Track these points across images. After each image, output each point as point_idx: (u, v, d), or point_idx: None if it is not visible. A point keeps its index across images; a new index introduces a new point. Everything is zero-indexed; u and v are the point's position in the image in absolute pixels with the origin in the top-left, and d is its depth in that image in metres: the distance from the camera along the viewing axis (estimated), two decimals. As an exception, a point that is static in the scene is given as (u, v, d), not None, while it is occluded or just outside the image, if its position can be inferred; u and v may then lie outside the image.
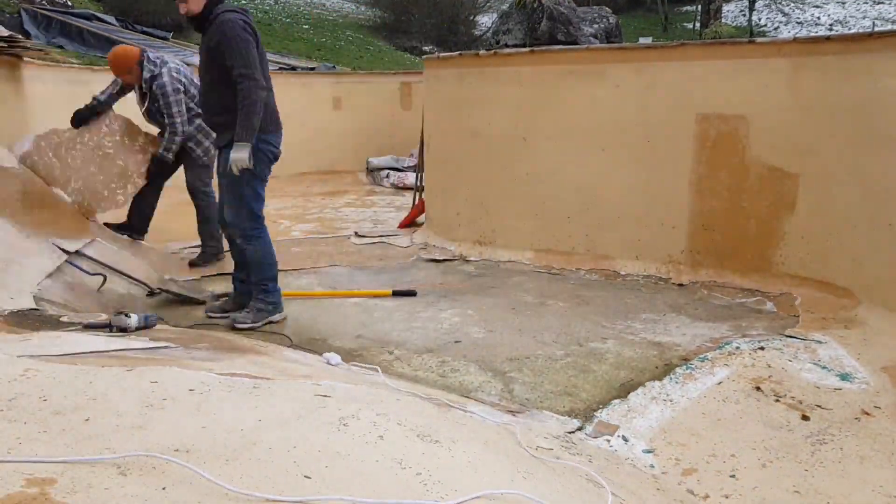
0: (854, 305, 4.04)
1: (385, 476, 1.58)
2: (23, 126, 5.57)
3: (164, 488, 1.37)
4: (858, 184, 4.06)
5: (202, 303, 4.34)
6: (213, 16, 3.71)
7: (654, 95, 4.81)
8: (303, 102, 9.52)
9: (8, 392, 1.78)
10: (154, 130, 5.17)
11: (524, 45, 5.45)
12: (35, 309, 3.35)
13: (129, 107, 5.12)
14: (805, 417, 2.81)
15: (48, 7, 11.97)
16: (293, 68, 11.79)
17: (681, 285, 4.75)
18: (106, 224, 5.12)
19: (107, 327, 3.04)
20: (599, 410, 2.93)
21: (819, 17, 22.87)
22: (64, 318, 3.23)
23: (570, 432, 2.73)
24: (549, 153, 5.20)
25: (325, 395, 2.04)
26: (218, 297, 4.40)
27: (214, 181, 4.43)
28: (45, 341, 2.61)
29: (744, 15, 23.74)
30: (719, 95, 4.62)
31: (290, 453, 1.59)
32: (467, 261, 5.48)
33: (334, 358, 3.21)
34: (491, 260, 5.45)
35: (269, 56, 13.80)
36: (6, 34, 5.21)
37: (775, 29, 22.61)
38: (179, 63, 5.12)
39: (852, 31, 19.51)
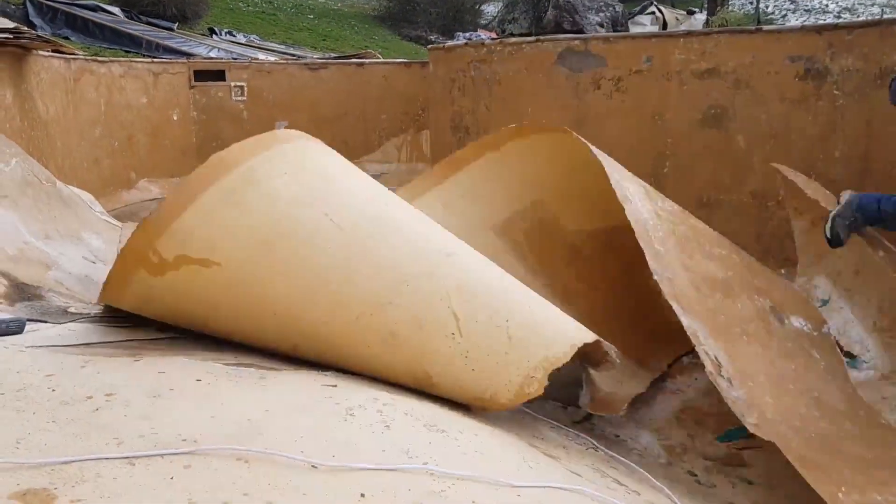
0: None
1: (392, 465, 1.59)
2: (30, 116, 5.58)
3: (171, 478, 1.38)
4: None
5: None
6: None
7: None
8: (318, 93, 9.48)
9: (17, 383, 1.79)
10: None
11: (530, 34, 5.42)
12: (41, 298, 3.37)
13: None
14: (812, 407, 2.80)
15: (53, -2, 11.96)
16: (297, 58, 11.77)
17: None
18: None
19: None
20: (606, 400, 2.93)
21: (827, 5, 22.68)
22: (72, 309, 3.25)
23: (576, 422, 2.73)
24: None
25: (332, 385, 2.04)
26: None
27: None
28: (53, 332, 2.62)
29: (751, 2, 23.56)
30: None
31: (296, 443, 1.60)
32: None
33: None
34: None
35: (274, 46, 13.78)
36: (11, 26, 5.20)
37: (783, 17, 22.44)
38: None
39: (861, 18, 19.36)
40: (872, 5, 21.38)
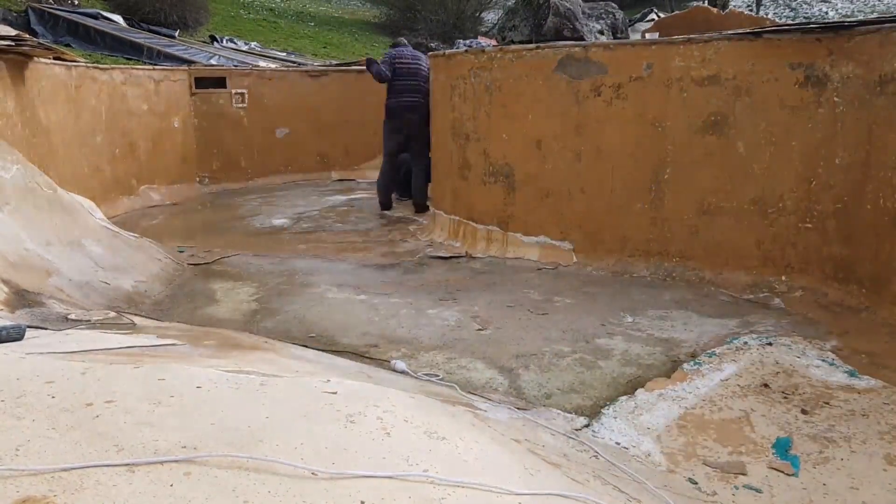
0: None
1: (392, 473, 1.58)
2: (31, 123, 5.59)
3: (171, 485, 1.38)
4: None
5: None
6: None
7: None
8: (319, 100, 9.52)
9: (17, 389, 1.79)
10: None
11: (530, 42, 5.43)
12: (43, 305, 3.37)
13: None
14: (813, 413, 2.80)
15: (55, 6, 12.02)
16: (299, 65, 11.80)
17: (688, 281, 4.73)
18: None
19: None
20: (607, 407, 2.93)
21: (827, 12, 22.75)
22: (72, 316, 3.25)
23: (577, 429, 2.73)
24: (556, 152, 5.18)
25: (332, 393, 2.04)
26: None
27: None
28: (53, 338, 2.62)
29: (750, 10, 23.61)
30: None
31: (296, 450, 1.59)
32: (473, 258, 5.47)
33: (400, 364, 3.28)
34: (497, 257, 5.45)
35: (276, 53, 13.84)
36: (13, 33, 5.22)
37: (783, 24, 22.48)
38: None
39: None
40: (872, 13, 21.44)
